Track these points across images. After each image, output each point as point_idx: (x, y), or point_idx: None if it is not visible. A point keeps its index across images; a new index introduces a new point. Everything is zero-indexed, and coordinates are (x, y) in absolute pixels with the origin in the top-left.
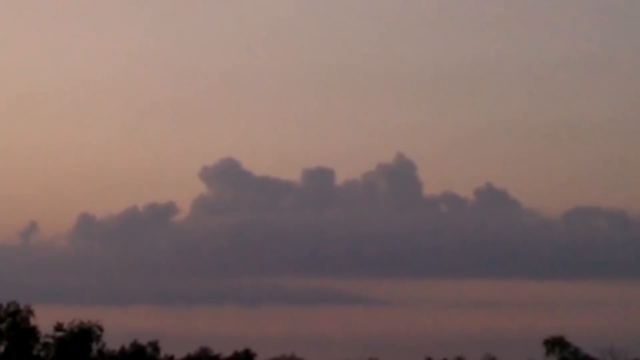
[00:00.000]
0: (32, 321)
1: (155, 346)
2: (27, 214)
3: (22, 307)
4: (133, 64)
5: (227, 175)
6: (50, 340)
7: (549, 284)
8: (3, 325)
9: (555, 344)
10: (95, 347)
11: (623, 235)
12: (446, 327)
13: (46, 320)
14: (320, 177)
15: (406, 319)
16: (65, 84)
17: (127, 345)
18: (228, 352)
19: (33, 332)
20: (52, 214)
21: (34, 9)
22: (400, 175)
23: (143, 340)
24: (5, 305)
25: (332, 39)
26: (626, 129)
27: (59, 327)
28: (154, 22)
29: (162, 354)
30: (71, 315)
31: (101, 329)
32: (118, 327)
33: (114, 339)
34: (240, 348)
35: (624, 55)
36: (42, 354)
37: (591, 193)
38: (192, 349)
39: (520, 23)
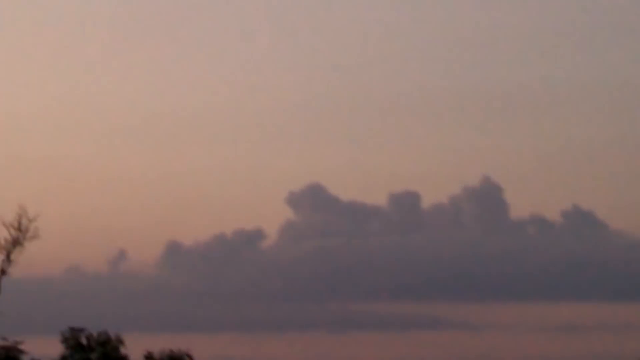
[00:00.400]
0: (123, 350)
1: None
2: (116, 242)
3: (112, 336)
4: (218, 91)
5: (313, 200)
6: None
7: (638, 306)
8: (94, 355)
9: None
10: None
11: None
12: (535, 351)
13: (136, 349)
14: (406, 201)
15: (494, 344)
16: (153, 114)
17: None
18: None
19: None
20: (141, 242)
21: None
22: (486, 198)
23: None
24: (95, 334)
25: (417, 62)
26: None
27: (149, 356)
28: (237, 49)
29: None
30: (160, 343)
31: (191, 357)
32: (206, 354)
33: None
34: None
35: None
36: None
37: None
38: None
39: (602, 41)
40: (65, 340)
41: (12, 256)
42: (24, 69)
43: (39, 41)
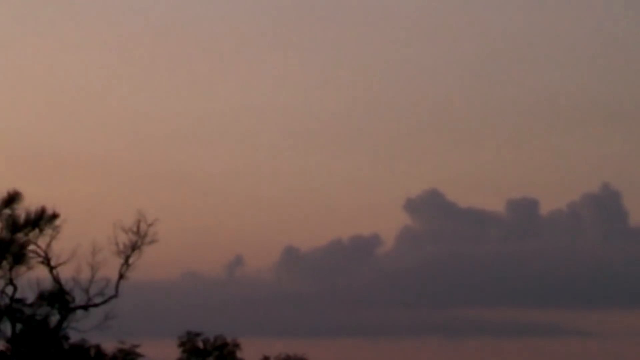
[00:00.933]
0: (239, 354)
1: None
2: (233, 247)
3: (228, 340)
4: (330, 93)
5: (431, 206)
6: None
7: None
8: (210, 359)
9: None
10: None
11: None
12: None
13: (252, 353)
14: (524, 208)
15: (617, 352)
16: (270, 120)
17: None
18: None
19: None
20: (258, 247)
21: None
22: (605, 204)
23: None
24: (212, 338)
25: (532, 65)
26: None
27: None
28: (353, 51)
29: None
30: (277, 348)
31: None
32: (322, 359)
33: None
34: None
35: None
36: None
37: None
38: None
39: None
40: (182, 344)
41: (131, 260)
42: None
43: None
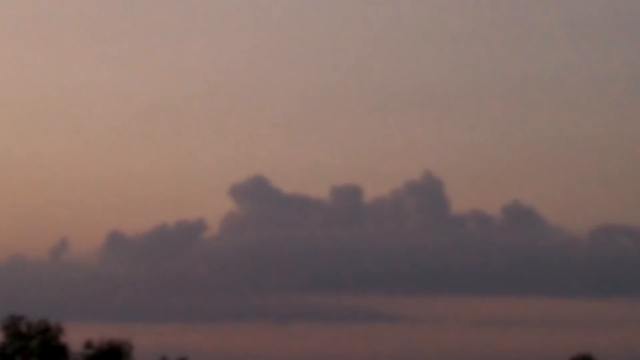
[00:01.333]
0: (62, 338)
1: None
2: (58, 232)
3: (52, 324)
4: (162, 80)
5: (256, 192)
6: (80, 358)
7: (575, 302)
8: (33, 343)
9: None
10: None
11: None
12: (474, 345)
13: (76, 338)
14: (348, 194)
15: (433, 337)
16: (88, 97)
17: None
18: None
19: (63, 350)
20: (83, 231)
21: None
22: (427, 193)
23: (172, 358)
24: (35, 322)
25: (360, 56)
26: None
27: (88, 345)
28: (179, 35)
29: None
30: (101, 332)
31: (131, 347)
32: (147, 345)
33: (143, 357)
34: None
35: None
36: None
37: (618, 210)
38: None
39: (544, 38)
40: (5, 328)
41: None
42: None
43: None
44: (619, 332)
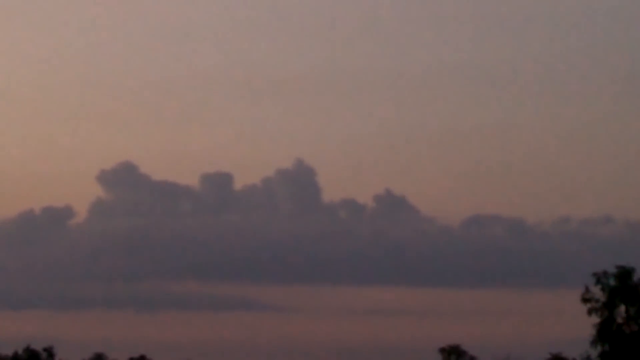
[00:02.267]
0: None
1: (50, 352)
2: None
3: None
4: (33, 66)
5: (124, 179)
6: None
7: (446, 292)
8: None
9: (452, 352)
10: None
11: (521, 243)
12: (343, 333)
13: None
14: (218, 182)
15: (302, 326)
16: None
17: (20, 351)
18: (123, 358)
19: None
20: None
21: None
22: (299, 180)
23: (37, 346)
24: None
25: (236, 43)
26: (524, 136)
27: None
28: (57, 24)
29: None
30: None
31: None
32: (13, 332)
33: (7, 344)
34: (136, 354)
35: (521, 61)
36: None
37: (490, 201)
38: (87, 355)
39: (405, 28)
40: None
41: None
42: None
43: None
44: (489, 322)
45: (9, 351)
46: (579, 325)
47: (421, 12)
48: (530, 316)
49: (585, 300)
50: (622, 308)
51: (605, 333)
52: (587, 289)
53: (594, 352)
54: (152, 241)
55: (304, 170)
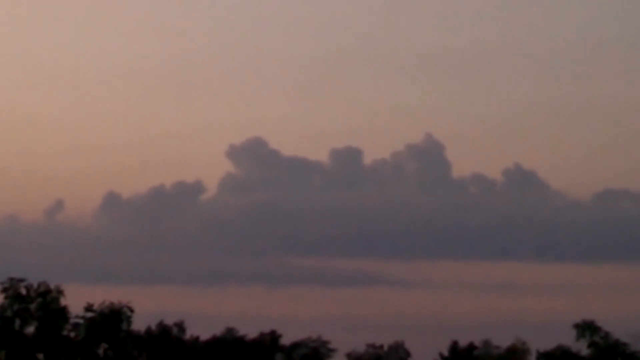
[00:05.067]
0: (63, 301)
1: (181, 327)
2: (53, 192)
3: (52, 287)
4: (156, 39)
5: (254, 154)
6: (80, 321)
7: (578, 267)
8: (33, 306)
9: (586, 328)
10: (124, 327)
11: None
12: (474, 310)
13: (76, 300)
14: (348, 157)
15: (434, 301)
16: (85, 59)
17: (153, 326)
18: (254, 333)
19: (63, 312)
20: (79, 192)
21: None
22: (428, 155)
23: (169, 321)
24: (35, 285)
25: (360, 19)
26: None
27: (89, 308)
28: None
29: (187, 335)
30: (100, 294)
31: (132, 310)
32: (145, 307)
33: (140, 320)
34: (266, 329)
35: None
36: (72, 334)
37: (621, 175)
38: (218, 330)
39: (534, 6)
40: (4, 290)
41: None
42: None
43: None
44: (623, 297)
45: (142, 326)
46: None
47: None
48: None
49: None
50: None
51: None
52: None
53: None
54: (282, 216)
55: (434, 145)
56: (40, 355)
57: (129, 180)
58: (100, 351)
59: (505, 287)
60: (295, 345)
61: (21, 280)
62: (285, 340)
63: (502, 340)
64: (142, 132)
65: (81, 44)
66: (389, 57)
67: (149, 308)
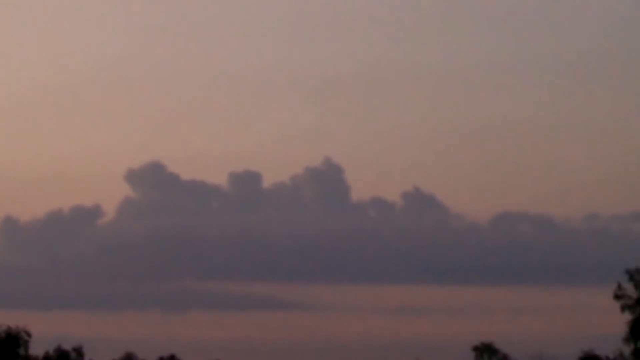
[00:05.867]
0: None
1: (79, 351)
2: None
3: None
4: (59, 65)
5: (153, 178)
6: None
7: (477, 289)
8: None
9: (484, 350)
10: (22, 352)
11: (550, 240)
12: (374, 332)
13: None
14: (247, 181)
15: (332, 324)
16: None
17: (51, 351)
18: (153, 357)
19: None
20: None
21: None
22: (328, 179)
23: (67, 346)
24: None
25: (263, 43)
26: (552, 133)
27: None
28: (80, 25)
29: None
30: None
31: (29, 334)
32: (43, 331)
33: (37, 344)
34: (165, 353)
35: (547, 58)
36: None
37: (518, 198)
38: (117, 354)
39: (432, 25)
40: None
41: None
42: None
43: None
44: (521, 319)
45: (40, 351)
46: (611, 323)
47: (445, 9)
48: (561, 313)
49: (618, 297)
50: None
51: (638, 330)
52: (619, 286)
53: (627, 349)
54: (180, 240)
55: (333, 168)
56: None
57: (26, 204)
58: None
59: (404, 309)
60: None
61: None
62: None
63: None
64: (40, 155)
65: None
66: (286, 80)
67: (47, 333)
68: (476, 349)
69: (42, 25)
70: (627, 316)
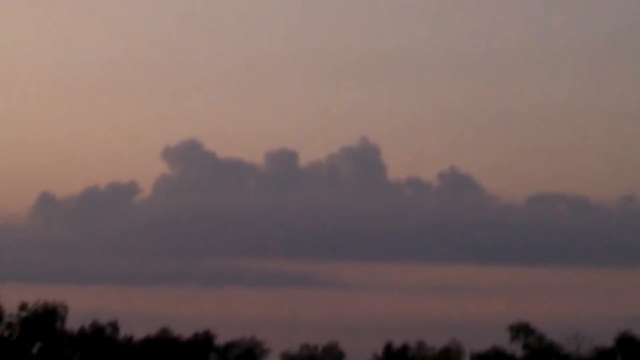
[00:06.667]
0: None
1: (114, 326)
2: None
3: None
4: (97, 42)
5: (189, 156)
6: (15, 320)
7: (512, 269)
8: None
9: (520, 329)
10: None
11: (585, 222)
12: (409, 311)
13: (10, 299)
14: (283, 159)
15: (368, 303)
16: (22, 60)
17: (86, 326)
18: (188, 334)
19: None
20: (12, 191)
21: None
22: (364, 158)
23: (103, 320)
24: None
25: (299, 21)
26: (589, 115)
27: (23, 307)
28: (121, 3)
29: (121, 335)
30: (34, 294)
31: (66, 309)
32: (79, 306)
33: (74, 319)
34: (200, 329)
35: (584, 41)
36: (6, 333)
37: (554, 179)
38: (152, 330)
39: (474, 9)
40: None
41: None
42: None
43: None
44: (557, 299)
45: (76, 326)
46: None
47: None
48: (597, 294)
49: None
50: None
51: None
52: None
53: None
54: (216, 218)
55: (369, 148)
56: None
57: (63, 180)
58: (35, 350)
59: (439, 289)
60: (230, 346)
61: None
62: (220, 340)
63: (436, 342)
64: (77, 132)
65: (16, 45)
66: (324, 60)
67: (82, 308)
68: (512, 328)
69: (85, 4)
70: None
